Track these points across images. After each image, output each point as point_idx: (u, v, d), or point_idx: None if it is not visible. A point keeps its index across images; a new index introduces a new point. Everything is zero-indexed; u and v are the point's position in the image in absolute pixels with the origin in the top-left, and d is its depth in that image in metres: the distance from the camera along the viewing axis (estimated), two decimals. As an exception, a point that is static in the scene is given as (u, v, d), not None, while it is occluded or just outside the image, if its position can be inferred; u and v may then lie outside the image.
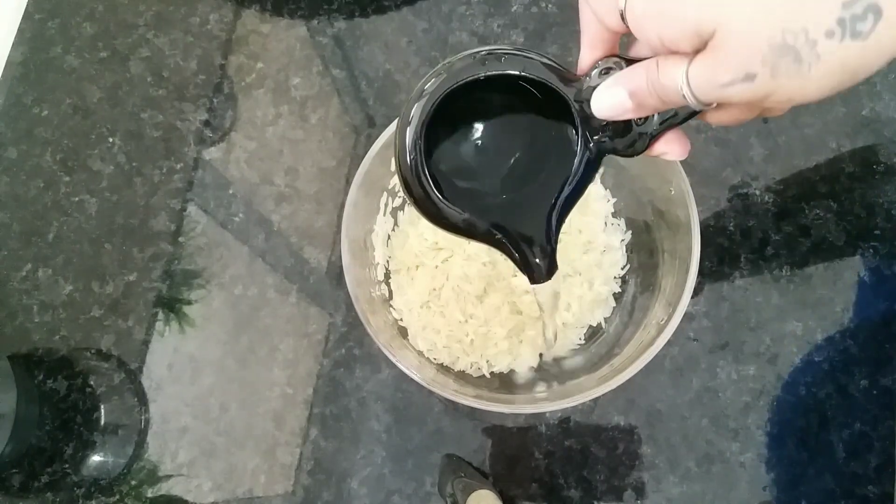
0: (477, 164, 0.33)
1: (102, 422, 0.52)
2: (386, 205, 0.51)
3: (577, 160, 0.32)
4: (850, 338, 0.51)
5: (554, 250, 0.34)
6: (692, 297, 0.42)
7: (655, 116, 0.30)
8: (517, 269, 0.35)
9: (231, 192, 0.57)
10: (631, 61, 0.28)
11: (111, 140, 0.59)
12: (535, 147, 0.33)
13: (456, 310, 0.48)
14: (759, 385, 0.50)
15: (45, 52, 0.62)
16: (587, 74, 0.29)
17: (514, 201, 0.34)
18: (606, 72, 0.29)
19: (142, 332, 0.54)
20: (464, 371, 0.48)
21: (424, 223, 0.50)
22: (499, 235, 0.34)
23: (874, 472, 0.48)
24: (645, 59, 0.27)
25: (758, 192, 0.55)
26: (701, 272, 0.43)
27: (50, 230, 0.57)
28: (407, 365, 0.42)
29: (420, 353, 0.48)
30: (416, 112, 0.31)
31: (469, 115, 0.33)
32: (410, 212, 0.52)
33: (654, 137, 0.31)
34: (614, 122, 0.30)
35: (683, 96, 0.25)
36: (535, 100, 0.31)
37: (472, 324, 0.48)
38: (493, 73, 0.30)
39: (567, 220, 0.34)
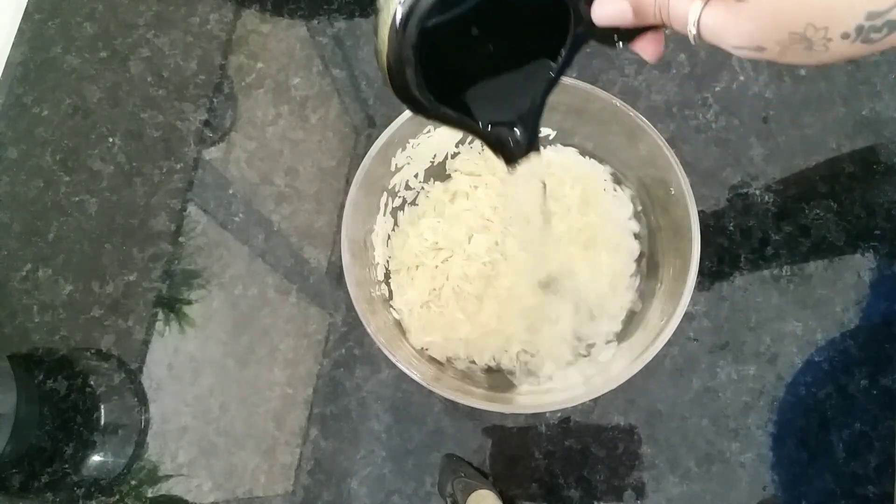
0: (459, 45, 0.33)
1: (102, 422, 0.52)
2: (386, 205, 0.51)
3: (565, 46, 0.32)
4: (850, 338, 0.51)
5: (536, 127, 0.34)
6: (692, 297, 0.42)
7: None
8: (500, 157, 0.35)
9: (231, 192, 0.57)
10: None
11: (111, 140, 0.59)
12: (517, 29, 0.33)
13: (456, 310, 0.48)
14: (759, 385, 0.50)
15: (45, 52, 0.62)
16: None
17: (496, 81, 0.34)
18: None
19: (142, 332, 0.54)
20: (464, 371, 0.48)
21: (424, 223, 0.51)
22: (473, 121, 0.34)
23: (874, 471, 0.48)
24: None
25: (758, 192, 0.55)
26: (701, 272, 0.43)
27: (50, 230, 0.57)
28: (407, 365, 0.42)
29: (420, 353, 0.48)
30: None
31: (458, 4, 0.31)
32: (410, 212, 0.52)
33: (635, 35, 0.31)
34: None
35: (687, 30, 0.26)
36: None
37: (471, 324, 0.48)
38: None
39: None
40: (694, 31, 0.25)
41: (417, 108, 0.33)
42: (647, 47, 0.32)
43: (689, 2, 0.26)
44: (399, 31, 0.30)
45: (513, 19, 0.33)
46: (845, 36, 0.22)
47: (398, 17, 0.30)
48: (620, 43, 0.31)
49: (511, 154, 0.35)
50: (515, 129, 0.34)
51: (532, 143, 0.35)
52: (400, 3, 0.29)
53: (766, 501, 0.48)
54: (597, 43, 0.32)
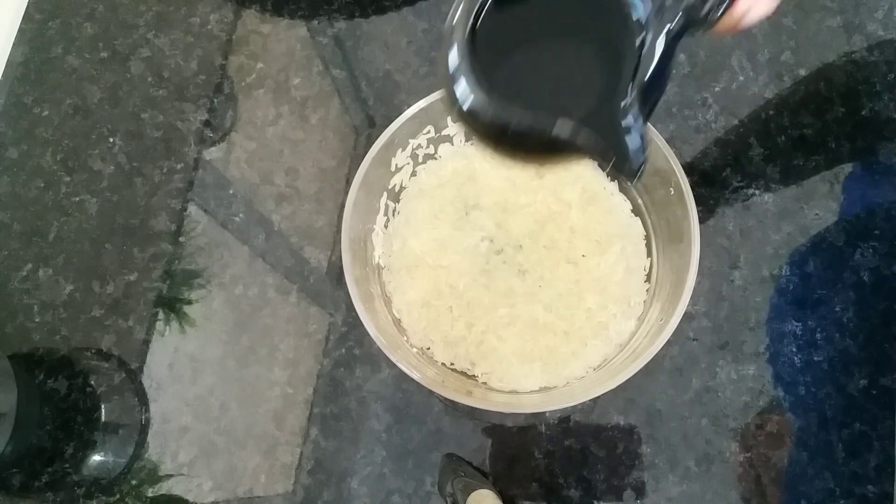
0: (532, 74, 0.29)
1: (103, 421, 0.52)
2: (386, 205, 0.51)
3: (648, 45, 0.28)
4: (850, 338, 0.51)
5: (644, 141, 0.29)
6: (692, 297, 0.43)
7: None
8: (610, 171, 0.31)
9: (231, 192, 0.57)
10: None
11: (111, 140, 0.59)
12: (591, 43, 0.29)
13: (456, 310, 0.48)
14: (758, 385, 0.50)
15: (45, 53, 0.62)
16: None
17: (585, 102, 0.29)
18: None
19: (142, 331, 0.54)
20: (464, 371, 0.48)
21: (425, 224, 0.50)
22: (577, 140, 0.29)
23: (874, 471, 0.48)
24: None
25: (758, 192, 0.55)
26: (701, 272, 0.43)
27: (50, 230, 0.57)
28: (407, 365, 0.42)
29: (420, 353, 0.48)
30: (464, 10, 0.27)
31: (513, 18, 0.29)
32: (410, 211, 0.52)
33: (729, 5, 0.28)
34: None
35: None
36: None
37: (472, 324, 0.48)
38: None
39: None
40: None
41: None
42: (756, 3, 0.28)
43: None
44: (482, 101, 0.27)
45: (579, 36, 0.29)
46: None
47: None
48: (698, 28, 0.28)
49: (633, 170, 0.30)
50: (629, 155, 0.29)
51: (642, 161, 0.30)
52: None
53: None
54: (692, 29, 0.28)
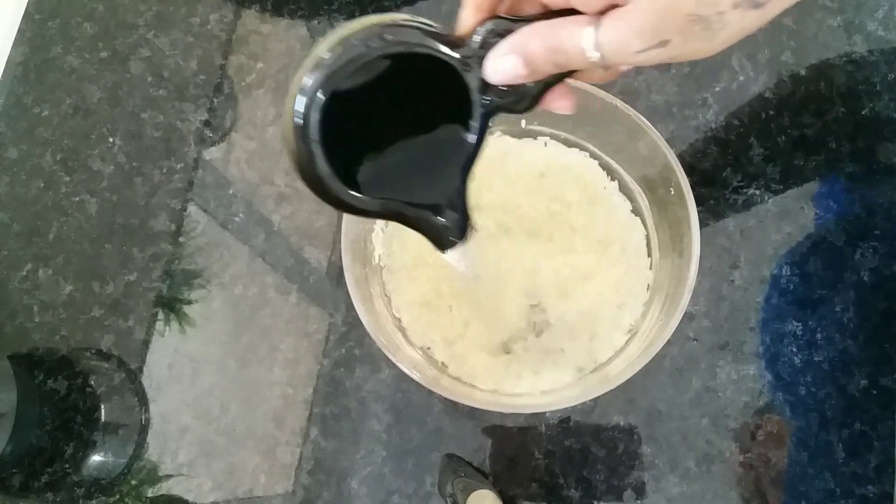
0: (368, 137, 0.32)
1: (102, 422, 0.52)
2: (386, 205, 0.51)
3: (471, 121, 0.31)
4: (850, 338, 0.51)
5: (465, 209, 0.33)
6: (692, 297, 0.42)
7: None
8: (430, 242, 0.34)
9: (231, 192, 0.57)
10: (517, 22, 0.28)
11: (111, 140, 0.59)
12: (426, 113, 0.32)
13: (456, 310, 0.48)
14: (758, 385, 0.50)
15: (45, 53, 0.62)
16: (470, 37, 0.29)
17: (413, 169, 0.33)
18: (495, 34, 0.29)
19: (142, 331, 0.54)
20: (464, 371, 0.48)
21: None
22: (398, 209, 0.33)
23: (874, 471, 0.48)
24: (532, 17, 0.28)
25: (758, 192, 0.55)
26: (701, 272, 0.43)
27: (50, 230, 0.57)
28: (407, 365, 0.42)
29: (420, 353, 0.48)
30: (312, 82, 0.29)
31: (358, 86, 0.31)
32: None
33: (542, 94, 0.31)
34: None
35: (588, 60, 0.26)
36: (424, 65, 0.31)
37: (472, 324, 0.48)
38: (382, 52, 0.29)
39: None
40: (596, 56, 0.25)
41: (340, 205, 0.31)
42: (558, 102, 0.32)
43: (579, 32, 0.25)
44: (300, 126, 0.29)
45: (419, 97, 0.32)
46: (735, 5, 0.23)
47: (299, 107, 0.29)
48: (529, 107, 0.31)
49: (446, 240, 0.34)
50: (446, 212, 0.33)
51: (465, 225, 0.34)
52: (301, 92, 0.29)
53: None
54: (507, 112, 0.31)
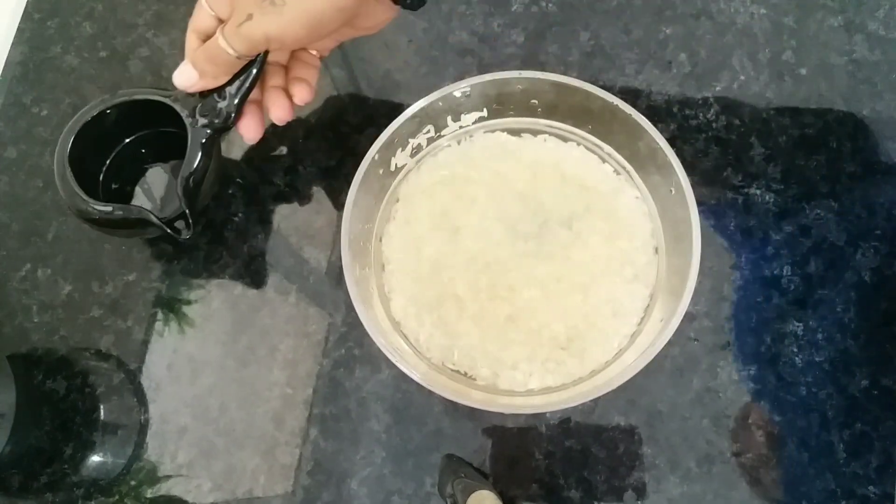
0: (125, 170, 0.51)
1: (102, 422, 0.52)
2: (386, 204, 0.51)
3: (189, 144, 0.44)
4: (851, 338, 0.51)
5: (189, 218, 0.46)
6: (692, 297, 0.42)
7: (233, 90, 0.41)
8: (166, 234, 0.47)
9: (231, 191, 0.57)
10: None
11: (111, 140, 0.59)
12: (169, 144, 0.49)
13: (456, 310, 0.48)
14: (759, 385, 0.50)
15: (44, 52, 0.62)
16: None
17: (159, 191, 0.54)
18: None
19: (141, 332, 0.54)
20: (464, 371, 0.48)
21: (425, 224, 0.50)
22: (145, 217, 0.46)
23: (875, 472, 0.48)
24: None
25: (758, 192, 0.55)
26: (701, 272, 0.43)
27: (49, 230, 0.57)
28: (407, 365, 0.42)
29: (420, 353, 0.48)
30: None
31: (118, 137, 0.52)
32: (410, 211, 0.52)
33: (237, 114, 0.42)
34: (204, 101, 0.42)
35: (225, 50, 0.38)
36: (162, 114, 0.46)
37: (472, 324, 0.48)
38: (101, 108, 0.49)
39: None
40: (224, 43, 0.38)
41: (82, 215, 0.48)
42: (246, 129, 0.43)
43: (217, 37, 0.38)
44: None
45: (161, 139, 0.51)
46: None
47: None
48: (221, 131, 0.44)
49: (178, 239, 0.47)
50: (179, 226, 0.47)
51: (189, 229, 0.47)
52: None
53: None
54: (214, 131, 0.44)
